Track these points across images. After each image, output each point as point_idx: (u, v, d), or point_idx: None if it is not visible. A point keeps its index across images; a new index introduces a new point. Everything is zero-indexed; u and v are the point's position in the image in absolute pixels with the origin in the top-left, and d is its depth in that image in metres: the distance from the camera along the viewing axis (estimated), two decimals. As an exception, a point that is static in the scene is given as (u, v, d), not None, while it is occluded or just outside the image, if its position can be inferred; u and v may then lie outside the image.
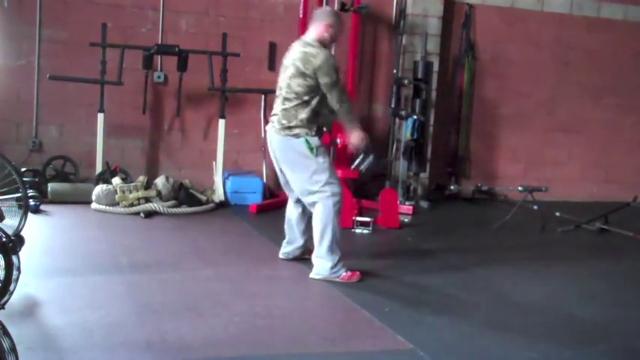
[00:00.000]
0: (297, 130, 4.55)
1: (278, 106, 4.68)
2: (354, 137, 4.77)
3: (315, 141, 4.55)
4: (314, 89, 4.55)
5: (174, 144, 7.45)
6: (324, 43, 4.67)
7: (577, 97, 8.80)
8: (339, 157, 6.75)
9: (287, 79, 4.62)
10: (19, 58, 6.93)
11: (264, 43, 7.56)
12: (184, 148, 7.48)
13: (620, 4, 8.79)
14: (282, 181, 4.87)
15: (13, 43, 6.89)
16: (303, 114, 4.55)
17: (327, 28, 4.66)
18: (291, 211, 4.94)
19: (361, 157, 5.12)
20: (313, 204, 4.62)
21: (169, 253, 5.11)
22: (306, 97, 4.54)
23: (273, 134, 4.69)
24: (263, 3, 7.56)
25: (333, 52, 7.23)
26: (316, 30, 4.68)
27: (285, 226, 5.00)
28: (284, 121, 4.59)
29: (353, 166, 5.23)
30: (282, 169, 4.76)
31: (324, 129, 4.78)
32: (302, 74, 4.53)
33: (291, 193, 4.86)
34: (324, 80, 4.52)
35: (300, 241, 4.95)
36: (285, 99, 4.61)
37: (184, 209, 6.49)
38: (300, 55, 4.58)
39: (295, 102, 4.56)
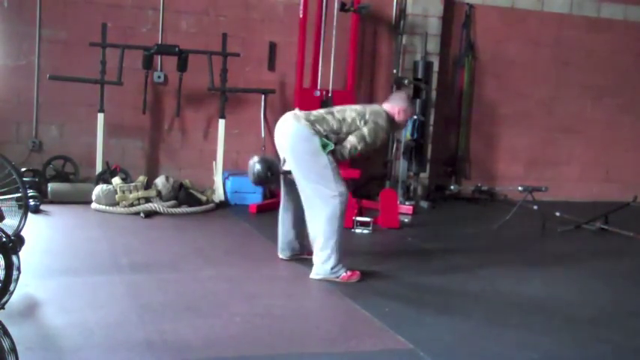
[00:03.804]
0: (318, 129, 4.61)
1: (320, 112, 4.79)
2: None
3: (330, 143, 4.61)
4: (352, 130, 4.69)
5: (174, 144, 7.45)
6: (393, 120, 4.88)
7: (577, 97, 8.81)
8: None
9: (348, 108, 4.81)
10: (19, 58, 6.93)
11: (264, 43, 7.56)
12: (184, 148, 7.48)
13: (620, 4, 8.79)
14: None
15: (13, 43, 6.89)
16: (331, 139, 4.64)
17: (400, 113, 4.91)
18: (284, 213, 4.94)
19: None
20: (314, 203, 4.60)
21: (169, 253, 5.11)
22: (345, 129, 4.68)
23: (291, 119, 4.69)
24: (263, 3, 7.56)
25: (333, 56, 7.30)
26: (392, 108, 4.89)
27: (279, 229, 4.99)
28: (313, 118, 4.66)
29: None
30: (285, 160, 4.75)
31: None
32: (362, 115, 4.72)
33: (288, 192, 4.87)
34: (364, 129, 4.68)
35: (297, 242, 4.96)
36: (331, 113, 4.74)
37: (184, 209, 6.49)
38: (375, 110, 4.83)
39: (335, 125, 4.66)
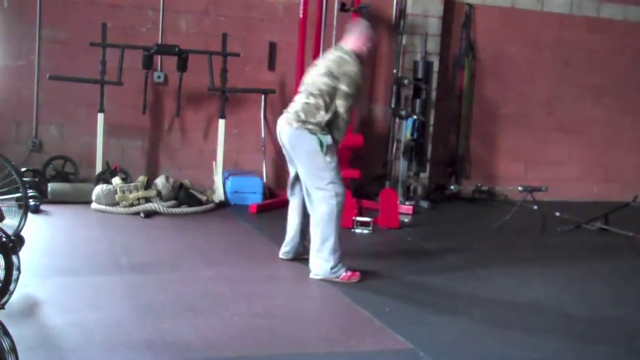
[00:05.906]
0: (311, 127, 4.58)
1: (300, 100, 4.71)
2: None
3: (326, 139, 4.58)
4: (334, 92, 4.60)
5: (174, 144, 7.45)
6: (359, 56, 4.74)
7: (577, 97, 8.80)
8: (339, 158, 6.74)
9: (315, 76, 4.70)
10: (19, 58, 6.92)
11: (264, 43, 7.56)
12: (184, 148, 7.47)
13: (620, 4, 8.79)
14: (291, 173, 4.90)
15: (13, 43, 6.89)
16: (324, 116, 4.58)
17: (366, 42, 4.78)
18: (293, 211, 4.95)
19: None
20: (314, 202, 4.63)
21: (169, 253, 5.11)
22: (328, 98, 4.58)
23: (284, 125, 4.70)
24: (263, 3, 7.55)
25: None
26: (355, 40, 4.77)
27: (288, 226, 5.01)
28: (302, 115, 4.61)
29: None
30: (292, 159, 4.79)
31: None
32: (331, 74, 4.61)
33: (295, 191, 4.89)
34: (342, 87, 4.58)
35: (300, 242, 4.96)
36: (310, 94, 4.64)
37: (184, 209, 6.49)
38: (336, 57, 4.70)
39: (319, 99, 4.59)
